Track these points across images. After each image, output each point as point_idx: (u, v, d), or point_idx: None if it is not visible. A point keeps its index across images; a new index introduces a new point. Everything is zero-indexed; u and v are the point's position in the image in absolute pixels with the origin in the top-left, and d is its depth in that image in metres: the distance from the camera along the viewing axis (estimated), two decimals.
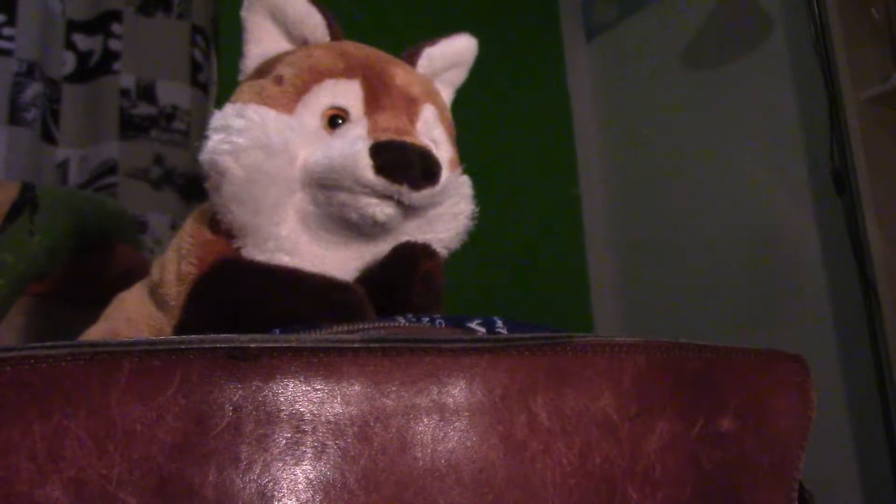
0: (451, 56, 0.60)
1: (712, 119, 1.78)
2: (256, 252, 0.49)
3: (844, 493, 1.45)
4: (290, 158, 0.48)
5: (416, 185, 0.47)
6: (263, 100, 0.50)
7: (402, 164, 0.47)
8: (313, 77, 0.51)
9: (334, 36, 0.55)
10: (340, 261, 0.51)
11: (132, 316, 0.52)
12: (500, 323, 0.38)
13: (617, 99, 2.05)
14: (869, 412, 1.39)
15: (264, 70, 0.52)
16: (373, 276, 0.51)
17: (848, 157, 1.37)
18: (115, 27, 1.34)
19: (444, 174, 0.50)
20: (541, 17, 2.12)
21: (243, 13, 0.53)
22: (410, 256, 0.50)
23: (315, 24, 0.53)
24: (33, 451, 0.23)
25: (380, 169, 0.46)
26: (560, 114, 2.09)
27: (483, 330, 0.37)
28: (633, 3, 1.99)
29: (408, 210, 0.50)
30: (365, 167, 0.46)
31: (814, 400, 0.35)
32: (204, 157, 0.48)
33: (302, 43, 0.54)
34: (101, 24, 1.34)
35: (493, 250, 1.72)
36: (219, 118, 0.49)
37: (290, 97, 0.50)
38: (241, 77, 0.54)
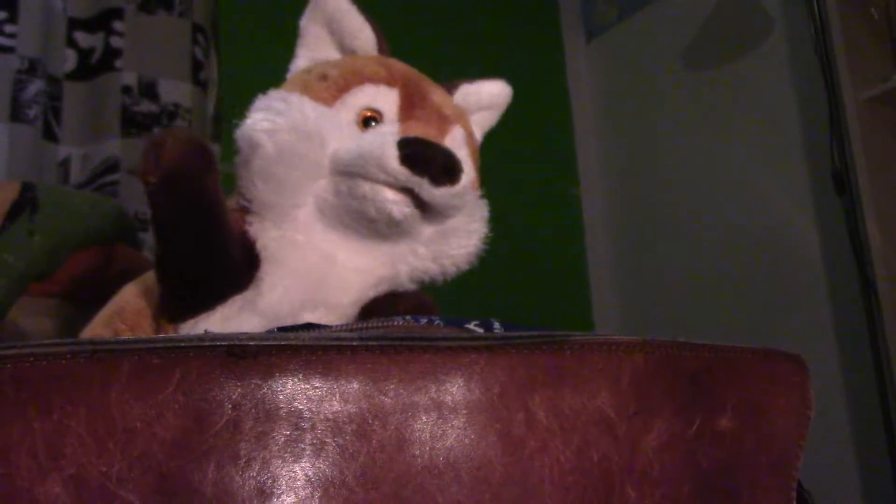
0: (485, 97, 0.63)
1: (712, 119, 1.78)
2: (273, 229, 0.51)
3: (844, 493, 1.45)
4: (320, 145, 0.51)
5: (437, 181, 0.49)
6: (306, 91, 0.53)
7: (426, 157, 0.49)
8: (356, 79, 0.54)
9: (382, 51, 0.58)
10: (353, 251, 0.53)
11: (124, 307, 0.52)
12: (497, 325, 0.38)
13: (617, 99, 2.05)
14: (869, 412, 1.39)
15: (311, 70, 0.56)
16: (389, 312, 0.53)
17: (848, 157, 1.37)
18: (117, 24, 1.34)
19: (465, 178, 0.51)
20: (541, 17, 2.12)
21: (302, 21, 0.57)
22: (397, 307, 0.53)
23: (366, 38, 0.57)
24: (34, 448, 0.23)
25: (404, 159, 0.48)
26: (560, 114, 2.09)
27: (481, 330, 0.37)
28: (633, 3, 1.99)
29: (425, 212, 0.52)
30: (390, 156, 0.49)
31: (812, 399, 0.35)
32: (241, 132, 0.51)
33: (351, 54, 0.58)
34: (102, 21, 1.34)
35: (493, 250, 1.72)
36: (262, 100, 0.52)
37: (332, 93, 0.53)
38: (288, 76, 0.58)
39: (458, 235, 0.55)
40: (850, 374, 1.48)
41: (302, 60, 0.58)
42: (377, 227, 0.52)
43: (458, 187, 0.51)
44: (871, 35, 1.36)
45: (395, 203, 0.50)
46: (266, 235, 0.51)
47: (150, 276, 0.53)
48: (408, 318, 0.37)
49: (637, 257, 1.96)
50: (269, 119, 0.50)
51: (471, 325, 0.37)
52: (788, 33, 1.64)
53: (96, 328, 0.52)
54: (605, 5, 2.08)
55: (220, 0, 1.49)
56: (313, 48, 0.58)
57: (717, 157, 1.76)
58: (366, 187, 0.50)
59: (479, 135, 0.64)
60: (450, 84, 0.61)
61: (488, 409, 0.27)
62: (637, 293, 1.95)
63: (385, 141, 0.49)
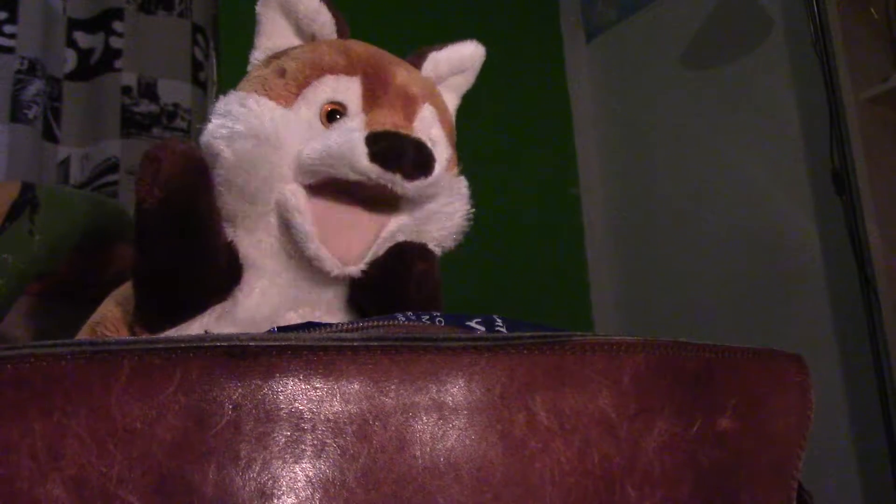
0: (456, 61, 0.61)
1: (712, 119, 1.78)
2: (246, 237, 0.51)
3: (844, 493, 1.45)
4: (280, 148, 0.49)
5: (410, 175, 0.48)
6: (265, 90, 0.52)
7: (397, 152, 0.48)
8: (314, 72, 0.52)
9: (342, 34, 0.56)
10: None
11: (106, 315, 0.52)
12: (499, 321, 0.38)
13: (617, 99, 2.05)
14: (869, 412, 1.39)
15: (270, 63, 0.55)
16: (371, 275, 0.52)
17: (848, 157, 1.37)
18: (117, 25, 1.34)
19: (438, 168, 0.51)
20: (541, 17, 2.12)
21: (258, 7, 0.56)
22: (405, 257, 0.52)
23: (324, 21, 0.55)
24: (34, 449, 0.23)
25: (374, 156, 0.47)
26: (560, 114, 2.09)
27: (482, 328, 0.37)
28: (633, 3, 1.99)
29: (400, 205, 0.51)
30: (360, 154, 0.47)
31: (813, 400, 0.35)
32: (203, 139, 0.50)
33: (311, 39, 0.56)
34: (102, 21, 1.34)
35: (493, 250, 1.72)
36: (221, 104, 0.51)
37: (291, 90, 0.52)
38: (249, 68, 0.56)
39: (439, 218, 0.54)
40: (850, 374, 1.48)
41: (261, 52, 0.56)
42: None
43: (432, 178, 0.50)
44: (870, 35, 1.36)
45: (329, 260, 0.49)
46: (241, 241, 0.51)
47: (128, 287, 0.53)
48: (409, 315, 0.37)
49: (637, 257, 1.96)
50: (227, 126, 0.49)
51: (472, 323, 0.37)
52: (788, 33, 1.64)
53: (82, 337, 0.52)
54: (604, 5, 2.08)
55: (220, 0, 1.49)
56: (271, 36, 0.56)
57: (716, 157, 1.76)
58: (311, 247, 0.49)
59: (455, 99, 0.62)
60: (417, 55, 0.59)
61: (489, 410, 0.27)
62: (637, 293, 1.95)
63: (353, 138, 0.48)
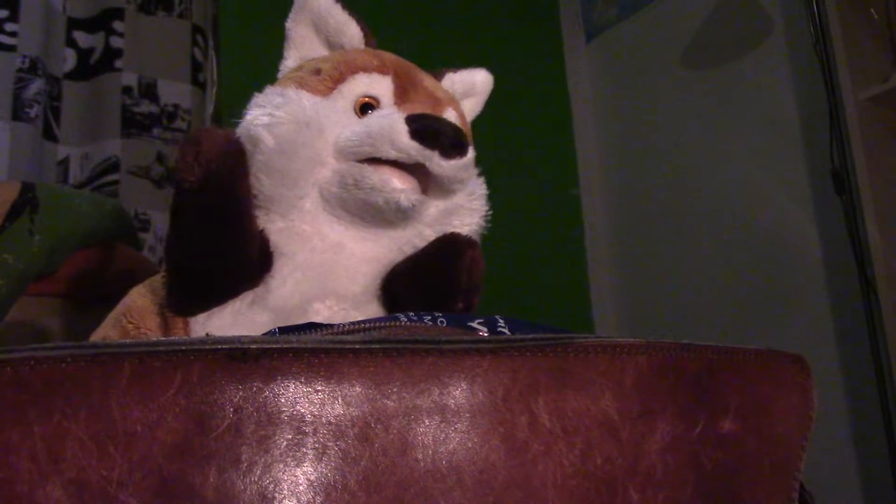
0: (469, 85, 0.64)
1: (712, 119, 1.78)
2: (279, 221, 0.52)
3: (844, 493, 1.45)
4: (319, 133, 0.51)
5: (447, 153, 0.50)
6: (302, 86, 0.54)
7: (435, 130, 0.50)
8: (349, 69, 0.55)
9: (369, 45, 0.59)
10: (359, 239, 0.54)
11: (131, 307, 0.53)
12: (501, 322, 0.38)
13: (617, 99, 2.05)
14: (869, 412, 1.39)
15: (303, 66, 0.57)
16: (418, 263, 0.53)
17: (848, 157, 1.37)
18: (117, 25, 1.34)
19: (471, 150, 0.53)
20: (541, 17, 2.12)
21: (288, 24, 0.59)
22: (455, 245, 0.53)
23: (353, 34, 0.58)
24: (34, 452, 0.23)
25: (414, 133, 0.49)
26: (560, 114, 2.09)
27: (485, 329, 0.37)
28: (632, 3, 1.99)
29: (431, 189, 0.53)
30: (401, 131, 0.49)
31: (815, 400, 0.35)
32: (241, 129, 0.52)
33: (339, 49, 0.59)
34: (102, 21, 1.34)
35: (494, 250, 1.72)
36: (259, 97, 0.53)
37: (327, 84, 0.54)
38: (279, 75, 0.59)
39: (462, 213, 0.56)
40: (849, 373, 1.48)
41: (291, 61, 0.59)
42: (385, 216, 0.52)
43: (466, 159, 0.52)
44: (871, 35, 1.36)
45: (403, 192, 0.50)
46: (272, 227, 0.52)
47: (156, 279, 0.53)
48: (411, 316, 0.37)
49: (637, 257, 1.96)
50: (268, 113, 0.51)
51: (474, 324, 0.37)
52: (788, 33, 1.64)
53: (106, 329, 0.52)
54: (605, 5, 2.08)
55: (220, 0, 1.49)
56: (301, 48, 0.59)
57: (716, 157, 1.76)
58: (374, 178, 0.50)
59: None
60: (435, 73, 0.62)
61: (491, 413, 0.27)
62: (637, 293, 1.95)
63: (393, 118, 0.50)
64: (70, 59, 1.33)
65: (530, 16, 2.09)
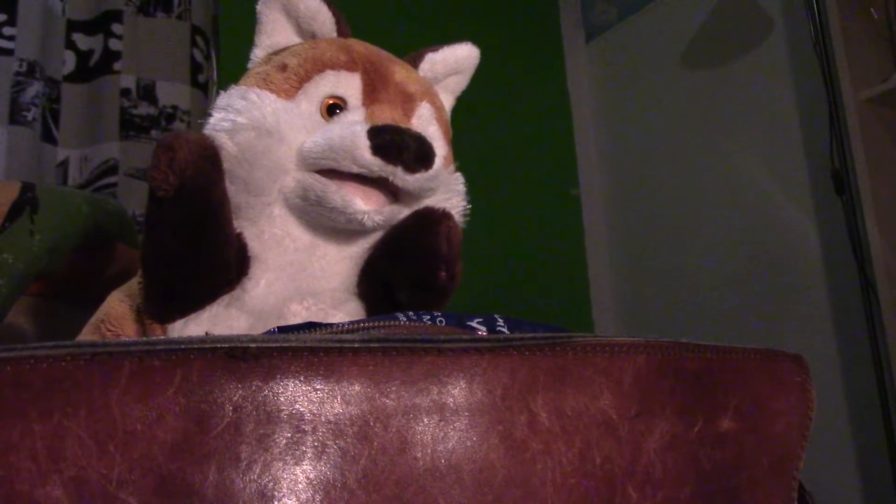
0: (451, 62, 0.62)
1: (712, 119, 1.78)
2: (249, 227, 0.51)
3: (844, 493, 1.45)
4: (282, 140, 0.50)
5: (411, 168, 0.49)
6: (266, 84, 0.52)
7: (398, 145, 0.49)
8: (316, 67, 0.53)
9: (342, 33, 0.57)
10: (332, 240, 0.53)
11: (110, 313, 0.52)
12: (500, 321, 0.38)
13: (617, 99, 2.05)
14: (869, 412, 1.39)
15: (271, 59, 0.55)
16: (396, 239, 0.52)
17: (848, 157, 1.37)
18: (116, 27, 1.34)
19: (438, 161, 0.51)
20: (541, 17, 2.12)
21: (259, 6, 0.57)
22: (431, 216, 0.52)
23: (324, 20, 0.56)
24: (34, 450, 0.23)
25: (377, 149, 0.48)
26: (560, 114, 2.10)
27: (484, 329, 0.37)
28: (632, 3, 1.99)
29: (399, 197, 0.52)
30: (363, 147, 0.48)
31: (814, 400, 0.35)
32: (206, 131, 0.51)
33: (311, 38, 0.57)
34: (101, 23, 1.34)
35: (493, 250, 1.72)
36: (223, 98, 0.52)
37: (292, 84, 0.53)
38: (249, 65, 0.57)
39: None
40: (849, 373, 1.48)
41: (261, 50, 0.57)
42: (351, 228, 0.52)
43: (432, 171, 0.51)
44: (870, 35, 1.36)
45: (366, 214, 0.50)
46: (245, 234, 0.51)
47: (133, 283, 0.53)
48: (410, 315, 0.37)
49: (637, 257, 1.96)
50: (229, 119, 0.50)
51: (473, 323, 0.37)
52: (788, 33, 1.64)
53: (86, 336, 0.52)
54: (604, 5, 2.08)
55: (219, 1, 1.49)
56: (272, 35, 0.57)
57: (716, 157, 1.76)
58: (336, 199, 0.49)
59: (451, 100, 0.63)
60: (415, 55, 0.60)
61: (490, 411, 0.27)
62: (636, 293, 1.95)
63: (355, 131, 0.49)
64: (69, 62, 1.33)
65: (530, 16, 2.09)
